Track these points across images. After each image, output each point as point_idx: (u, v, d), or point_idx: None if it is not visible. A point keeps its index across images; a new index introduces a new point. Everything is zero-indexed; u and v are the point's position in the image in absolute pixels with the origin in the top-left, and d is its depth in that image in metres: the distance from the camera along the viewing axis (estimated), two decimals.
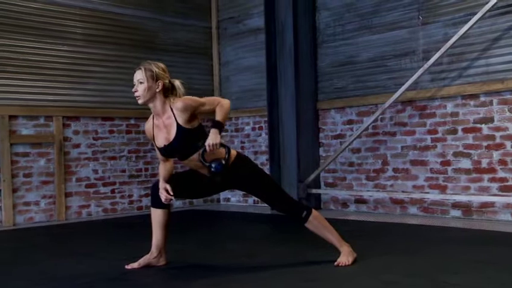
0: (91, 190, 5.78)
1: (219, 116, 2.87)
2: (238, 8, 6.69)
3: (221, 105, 2.89)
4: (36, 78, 5.44)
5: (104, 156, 5.89)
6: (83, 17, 5.78)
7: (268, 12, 5.93)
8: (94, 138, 5.83)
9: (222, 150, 2.90)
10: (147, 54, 6.07)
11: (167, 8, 6.46)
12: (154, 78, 2.89)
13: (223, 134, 6.84)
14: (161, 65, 2.97)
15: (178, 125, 2.86)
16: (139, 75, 2.91)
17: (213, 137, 2.82)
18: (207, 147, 2.82)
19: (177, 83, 2.97)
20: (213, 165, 2.88)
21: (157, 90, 2.90)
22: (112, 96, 5.92)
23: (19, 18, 5.34)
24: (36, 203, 5.40)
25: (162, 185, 3.01)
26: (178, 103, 2.87)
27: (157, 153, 3.06)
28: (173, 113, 2.87)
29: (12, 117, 5.26)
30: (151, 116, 3.02)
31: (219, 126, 2.85)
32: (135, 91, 2.91)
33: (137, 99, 2.92)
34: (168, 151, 2.95)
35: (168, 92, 2.93)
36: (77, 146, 5.70)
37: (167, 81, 2.93)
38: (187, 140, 2.87)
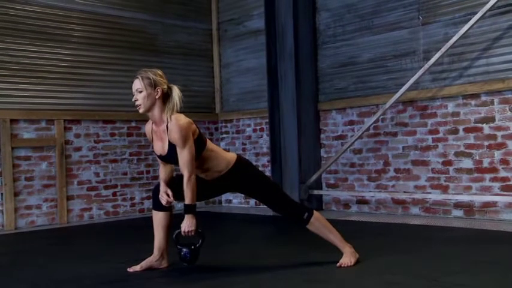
0: (93, 193, 5.78)
1: (188, 199, 2.84)
2: (238, 9, 6.70)
3: (186, 183, 2.82)
4: (37, 82, 5.45)
5: (106, 159, 5.89)
6: (83, 20, 5.78)
7: (269, 13, 5.93)
8: (95, 141, 5.83)
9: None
10: (148, 57, 6.09)
11: (167, 11, 6.46)
12: (152, 85, 2.88)
13: (225, 136, 6.85)
14: (158, 71, 2.95)
15: (169, 142, 2.88)
16: (137, 85, 2.89)
17: (188, 224, 2.85)
18: (182, 233, 2.85)
19: (175, 89, 2.93)
20: (183, 249, 2.91)
21: (157, 97, 2.89)
22: (113, 99, 5.92)
23: (19, 22, 5.35)
24: (38, 206, 5.40)
25: (162, 188, 3.01)
26: (171, 125, 2.82)
27: (157, 156, 3.07)
28: (167, 129, 2.87)
29: (13, 121, 5.27)
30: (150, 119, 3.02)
31: (192, 210, 2.86)
32: (136, 100, 2.91)
33: (138, 109, 2.91)
34: (164, 160, 2.99)
35: (167, 97, 2.92)
36: (79, 149, 5.70)
37: (165, 86, 2.92)
38: None
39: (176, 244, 2.94)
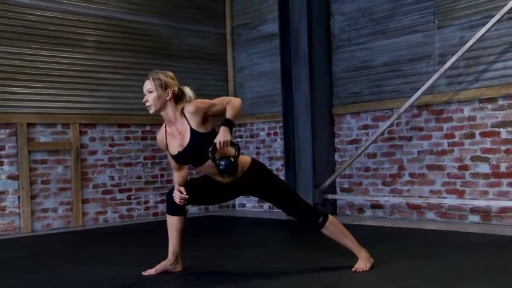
0: (107, 196, 5.81)
1: (229, 114, 2.85)
2: (252, 14, 6.71)
3: (231, 103, 2.88)
4: (53, 86, 5.51)
5: (120, 163, 5.93)
6: (98, 25, 5.84)
7: (283, 17, 5.94)
8: (110, 145, 5.87)
9: (232, 150, 2.86)
10: (162, 61, 6.12)
11: (181, 15, 6.49)
12: (163, 86, 2.90)
13: (239, 140, 6.85)
14: (169, 73, 2.97)
15: (192, 129, 2.86)
16: (148, 85, 2.92)
17: (223, 135, 2.80)
18: (217, 145, 2.80)
19: (187, 89, 2.96)
20: (222, 162, 2.84)
21: (168, 98, 2.90)
22: (128, 103, 5.96)
23: (35, 28, 5.42)
24: (54, 209, 5.45)
25: (176, 187, 3.02)
26: (189, 107, 2.87)
27: (171, 162, 3.05)
28: (186, 118, 2.88)
29: (30, 125, 5.33)
30: (163, 126, 3.02)
31: (229, 124, 2.84)
32: (146, 101, 2.92)
33: (148, 109, 2.93)
34: (182, 157, 2.95)
35: (179, 99, 2.94)
36: (94, 152, 5.74)
37: (176, 88, 2.94)
38: (201, 144, 2.86)
39: (213, 159, 2.85)
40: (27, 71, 5.35)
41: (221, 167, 2.84)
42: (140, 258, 3.57)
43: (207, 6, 6.75)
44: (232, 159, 2.85)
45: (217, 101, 2.92)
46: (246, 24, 6.77)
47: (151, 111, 2.93)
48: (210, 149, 2.83)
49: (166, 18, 6.36)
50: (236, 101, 2.90)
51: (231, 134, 2.84)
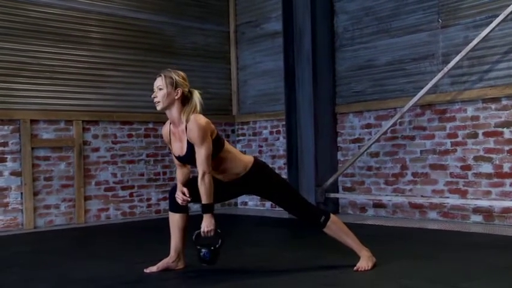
0: (110, 194, 5.82)
1: (204, 199, 2.84)
2: (256, 12, 6.70)
3: (200, 181, 2.83)
4: (56, 83, 5.51)
5: (123, 160, 5.94)
6: (102, 22, 5.84)
7: (286, 16, 5.93)
8: (113, 142, 5.88)
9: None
10: (166, 59, 6.13)
11: (185, 13, 6.49)
12: (173, 85, 2.91)
13: (241, 138, 6.86)
14: (181, 73, 2.99)
15: (188, 142, 2.89)
16: (159, 82, 2.94)
17: (207, 223, 2.85)
18: (202, 233, 2.85)
19: (196, 93, 2.96)
20: (203, 250, 2.90)
21: (176, 97, 2.91)
22: (131, 101, 5.97)
23: (39, 24, 5.42)
24: (56, 206, 5.46)
25: (179, 187, 3.03)
26: (190, 124, 2.85)
27: (174, 159, 3.08)
28: (186, 129, 2.89)
29: (33, 122, 5.34)
30: (168, 121, 3.04)
31: (210, 209, 2.86)
32: (155, 97, 2.94)
33: (156, 106, 2.95)
34: (182, 160, 3.00)
35: (186, 100, 2.94)
36: (96, 149, 5.75)
37: (186, 89, 2.95)
38: None
39: (195, 245, 2.93)
40: (30, 68, 5.36)
41: (201, 253, 2.90)
42: (142, 256, 3.58)
43: (211, 4, 6.75)
44: (212, 248, 2.89)
45: (203, 151, 2.81)
46: (250, 22, 6.76)
47: (159, 108, 2.94)
48: (194, 234, 2.89)
49: (170, 16, 6.36)
50: (205, 182, 2.82)
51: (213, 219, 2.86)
